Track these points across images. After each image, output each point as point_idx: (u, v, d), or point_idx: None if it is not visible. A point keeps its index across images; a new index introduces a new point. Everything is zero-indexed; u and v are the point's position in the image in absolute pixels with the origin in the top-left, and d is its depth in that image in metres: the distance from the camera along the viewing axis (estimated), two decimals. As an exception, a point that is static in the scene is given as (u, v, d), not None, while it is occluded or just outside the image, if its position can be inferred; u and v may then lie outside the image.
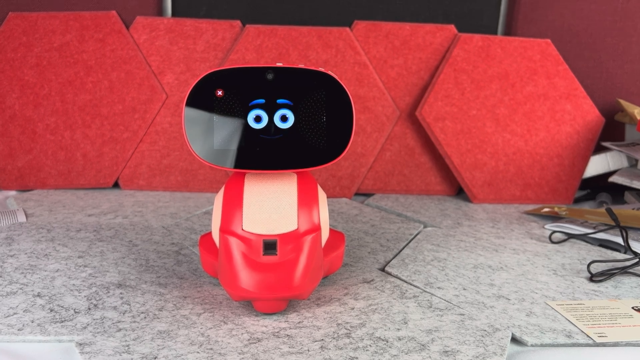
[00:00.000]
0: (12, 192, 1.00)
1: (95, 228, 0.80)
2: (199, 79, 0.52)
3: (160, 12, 1.13)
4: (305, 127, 0.53)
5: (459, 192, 1.09)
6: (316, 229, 0.54)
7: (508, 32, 1.17)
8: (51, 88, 1.02)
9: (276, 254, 0.52)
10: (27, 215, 0.85)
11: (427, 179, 1.07)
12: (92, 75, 1.03)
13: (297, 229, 0.53)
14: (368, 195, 1.08)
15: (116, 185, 1.06)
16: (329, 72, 0.53)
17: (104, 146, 1.03)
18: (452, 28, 1.08)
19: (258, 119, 0.53)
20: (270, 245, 0.52)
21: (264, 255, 0.52)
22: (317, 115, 0.53)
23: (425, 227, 0.87)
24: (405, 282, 0.63)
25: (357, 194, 1.08)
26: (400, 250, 0.74)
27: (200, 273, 0.65)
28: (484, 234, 0.84)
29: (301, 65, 0.53)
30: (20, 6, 1.07)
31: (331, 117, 0.53)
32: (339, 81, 0.53)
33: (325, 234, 0.58)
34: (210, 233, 0.61)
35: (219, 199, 0.56)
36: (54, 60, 1.02)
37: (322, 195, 0.57)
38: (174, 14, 1.15)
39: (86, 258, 0.68)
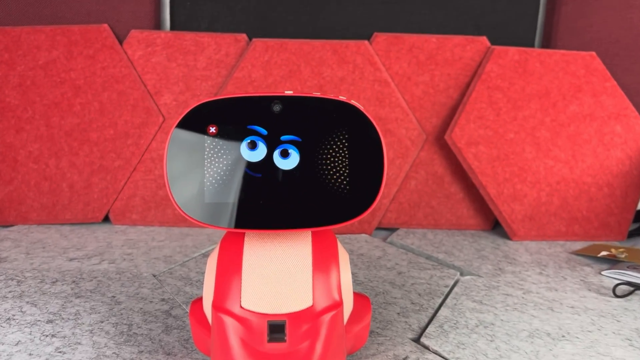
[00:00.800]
0: (-10, 228, 0.89)
1: (75, 278, 0.68)
2: (185, 112, 0.41)
3: (157, 25, 1.02)
4: (322, 173, 0.41)
5: (495, 226, 0.96)
6: (337, 305, 0.41)
7: (547, 44, 1.04)
8: (35, 111, 0.91)
9: (285, 341, 0.40)
10: (-2, 261, 0.73)
11: (458, 212, 0.95)
12: (80, 96, 0.92)
13: (313, 305, 0.41)
14: (391, 230, 0.95)
15: (107, 219, 0.94)
16: (352, 102, 0.41)
17: (93, 176, 0.91)
18: (484, 40, 0.96)
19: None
20: (277, 329, 0.40)
21: (269, 342, 0.40)
22: (337, 158, 0.41)
23: (462, 274, 0.74)
24: (448, 360, 0.50)
25: (378, 228, 0.95)
26: (437, 311, 0.61)
27: (192, 346, 0.52)
28: (532, 283, 0.70)
29: (317, 94, 0.41)
30: (1, 20, 0.97)
31: (355, 160, 0.41)
32: (366, 114, 0.41)
33: (348, 307, 0.45)
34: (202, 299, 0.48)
35: (211, 263, 0.44)
36: (39, 80, 0.91)
37: (343, 257, 0.45)
38: (172, 27, 1.04)
39: (56, 323, 0.56)
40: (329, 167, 0.40)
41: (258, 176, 0.40)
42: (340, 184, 0.40)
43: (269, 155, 0.40)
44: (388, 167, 0.92)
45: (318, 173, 0.40)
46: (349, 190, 0.41)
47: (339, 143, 0.41)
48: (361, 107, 0.41)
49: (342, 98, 0.41)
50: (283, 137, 0.40)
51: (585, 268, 0.77)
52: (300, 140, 0.41)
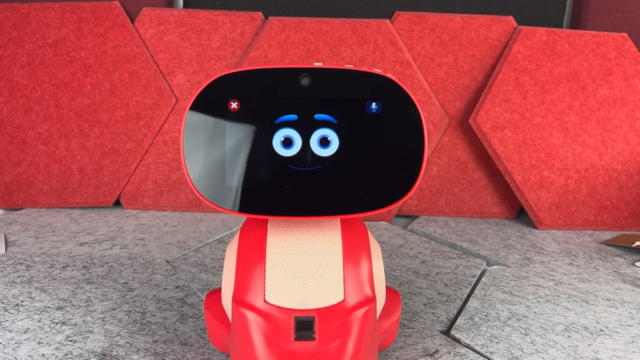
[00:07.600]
0: (-1, 211, 0.87)
1: (86, 264, 0.65)
2: (204, 85, 0.37)
3: (170, 2, 0.98)
4: (355, 155, 0.37)
5: (519, 214, 0.93)
6: (369, 300, 0.38)
7: (576, 24, 1.00)
8: (44, 90, 0.88)
9: (314, 339, 0.37)
10: (7, 245, 0.71)
11: (481, 200, 0.91)
12: (91, 76, 0.89)
13: (344, 300, 0.37)
14: (411, 217, 0.92)
15: (117, 204, 0.91)
16: (389, 75, 0.37)
17: (104, 158, 0.88)
18: (510, 20, 0.92)
19: (288, 143, 0.37)
20: (305, 325, 0.37)
21: (296, 340, 0.37)
22: (373, 138, 0.37)
23: (488, 264, 0.71)
24: (482, 355, 0.47)
25: (397, 215, 0.92)
26: (465, 302, 0.58)
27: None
28: (563, 274, 0.67)
29: (349, 66, 0.38)
30: (10, -4, 0.94)
31: (392, 140, 0.37)
32: (404, 88, 0.37)
33: (380, 302, 0.42)
34: (219, 291, 0.45)
35: (231, 252, 0.41)
36: (48, 59, 0.88)
37: (375, 248, 0.42)
38: (185, 5, 1.00)
39: (66, 310, 0.53)
40: (365, 147, 0.37)
41: (286, 159, 0.37)
42: (376, 166, 0.37)
43: (306, 143, 0.37)
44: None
45: (355, 155, 0.37)
46: (385, 173, 0.37)
47: (374, 120, 0.37)
48: (399, 81, 0.38)
49: (377, 71, 0.37)
50: (317, 116, 0.37)
51: (617, 259, 0.74)
52: (335, 121, 0.37)
